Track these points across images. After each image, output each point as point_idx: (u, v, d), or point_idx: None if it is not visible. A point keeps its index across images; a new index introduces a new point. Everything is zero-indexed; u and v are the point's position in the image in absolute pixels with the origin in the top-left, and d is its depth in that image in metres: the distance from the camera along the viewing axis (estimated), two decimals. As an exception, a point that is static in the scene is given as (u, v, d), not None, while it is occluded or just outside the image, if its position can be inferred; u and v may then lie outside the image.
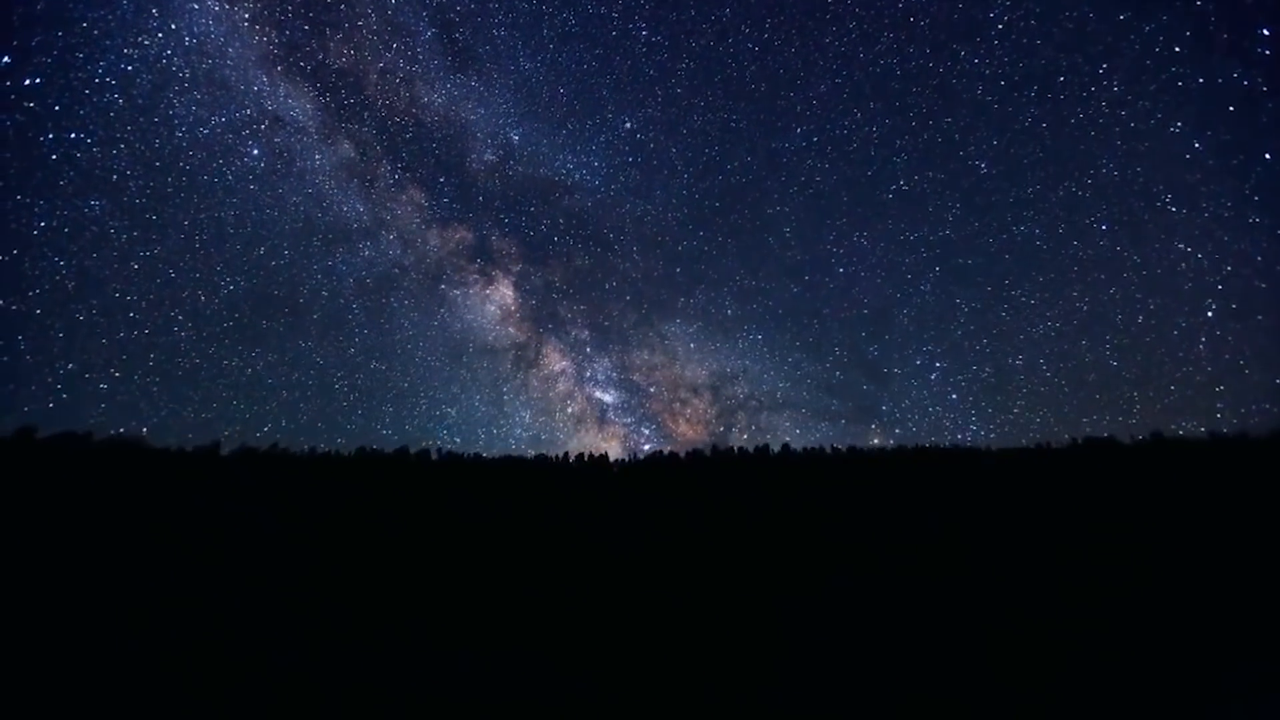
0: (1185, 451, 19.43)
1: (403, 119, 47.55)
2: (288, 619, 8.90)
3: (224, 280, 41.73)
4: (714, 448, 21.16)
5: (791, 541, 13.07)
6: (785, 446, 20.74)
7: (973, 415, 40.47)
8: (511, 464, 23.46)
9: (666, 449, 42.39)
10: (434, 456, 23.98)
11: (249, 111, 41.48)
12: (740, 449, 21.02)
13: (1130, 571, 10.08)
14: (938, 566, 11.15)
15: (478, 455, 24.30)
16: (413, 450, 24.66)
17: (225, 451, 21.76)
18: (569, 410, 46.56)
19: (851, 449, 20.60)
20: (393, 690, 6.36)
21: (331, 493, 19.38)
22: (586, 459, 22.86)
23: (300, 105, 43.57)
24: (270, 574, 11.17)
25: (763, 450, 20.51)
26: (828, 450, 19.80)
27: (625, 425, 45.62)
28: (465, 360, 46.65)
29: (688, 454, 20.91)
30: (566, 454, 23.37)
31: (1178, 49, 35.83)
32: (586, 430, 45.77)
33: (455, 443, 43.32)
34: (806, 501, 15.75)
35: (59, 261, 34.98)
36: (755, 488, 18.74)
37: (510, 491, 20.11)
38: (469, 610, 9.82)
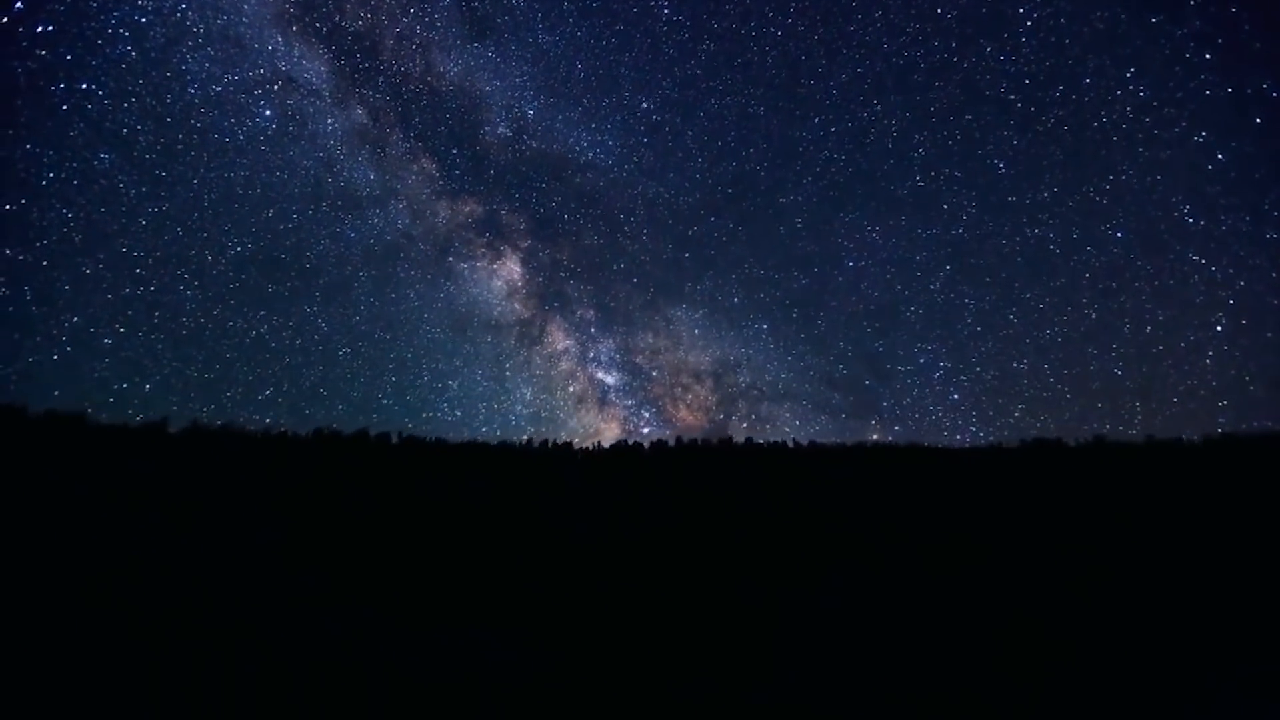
0: (1123, 454, 20.51)
1: (417, 87, 45.93)
2: (236, 604, 8.66)
3: (231, 241, 40.82)
4: (678, 439, 21.32)
5: (749, 535, 13.28)
6: (748, 440, 21.16)
7: (973, 416, 39.62)
8: (474, 449, 23.23)
9: (667, 434, 42.04)
10: (394, 440, 23.58)
11: (262, 71, 40.11)
12: (704, 441, 21.23)
13: (1081, 567, 10.50)
14: (882, 562, 11.44)
15: (440, 439, 23.99)
16: (373, 433, 24.20)
17: (173, 429, 21.00)
18: (570, 390, 45.87)
19: (812, 444, 21.04)
20: (343, 674, 6.24)
21: (287, 474, 18.91)
22: (550, 446, 22.77)
23: (314, 67, 42.10)
24: (218, 558, 10.85)
25: (726, 442, 20.81)
26: (789, 445, 20.19)
27: (626, 408, 44.97)
28: (469, 334, 45.84)
29: (651, 445, 21.04)
30: (530, 439, 23.29)
31: (1208, 56, 34.54)
32: (587, 411, 45.07)
33: (456, 415, 42.42)
34: (765, 495, 16.03)
35: (67, 213, 33.60)
36: (716, 480, 18.96)
37: (472, 477, 19.92)
38: (425, 595, 9.71)
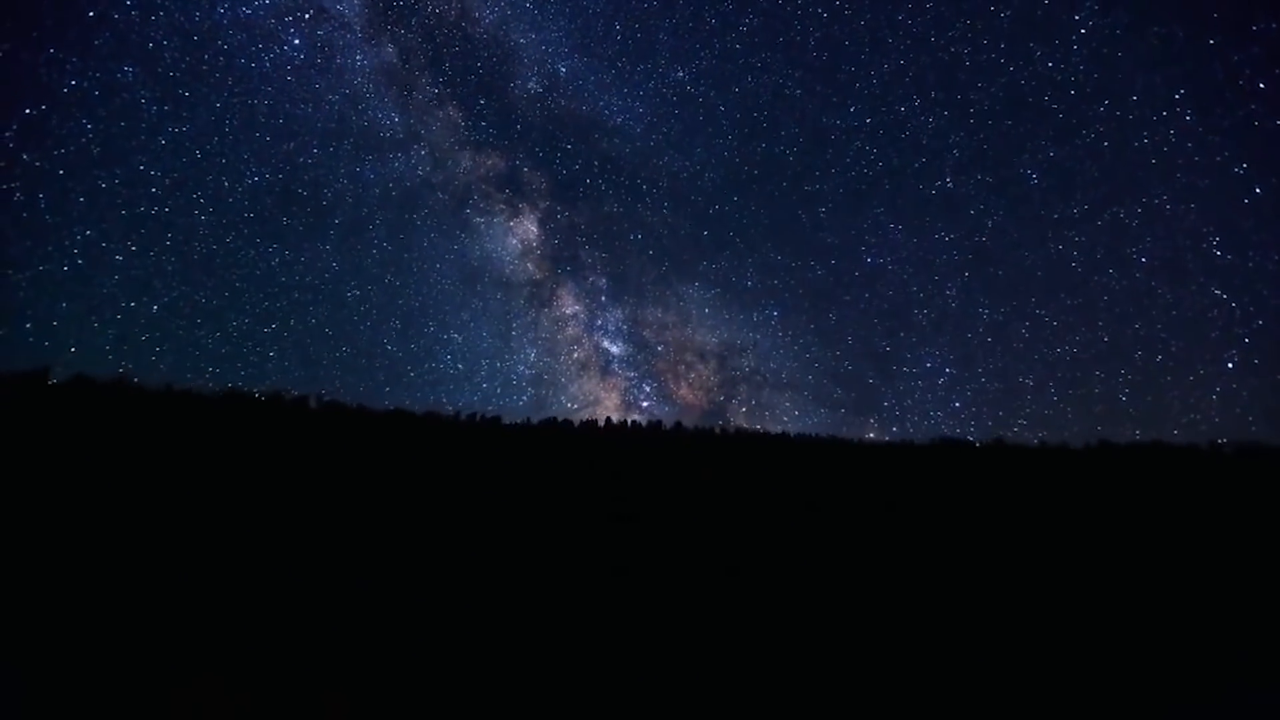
0: (1021, 455, 22.27)
1: (451, 31, 43.72)
2: (123, 579, 8.03)
3: (250, 169, 39.88)
4: (609, 420, 21.33)
5: (667, 524, 13.48)
6: (678, 425, 21.46)
7: (972, 426, 39.20)
8: (398, 419, 22.49)
9: (666, 410, 42.04)
10: (313, 405, 22.49)
11: (293, -3, 37.49)
12: (635, 423, 21.35)
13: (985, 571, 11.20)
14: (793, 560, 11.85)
15: (362, 407, 23.07)
16: (289, 396, 22.98)
17: (56, 379, 19.15)
18: (574, 355, 45.09)
19: (740, 430, 21.59)
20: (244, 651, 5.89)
21: (186, 437, 17.68)
22: (478, 419, 22.34)
23: (347, -1, 39.39)
24: (105, 527, 10.02)
25: (656, 425, 21.03)
26: (716, 431, 20.64)
27: (628, 379, 44.38)
28: (479, 289, 44.66)
29: (581, 424, 20.99)
30: (458, 412, 22.75)
31: (1262, 85, 33.26)
32: (588, 378, 44.53)
33: (458, 369, 41.83)
34: (684, 483, 16.34)
35: (86, 124, 33.53)
36: (646, 466, 19.17)
37: (392, 449, 19.29)
38: (341, 574, 9.33)
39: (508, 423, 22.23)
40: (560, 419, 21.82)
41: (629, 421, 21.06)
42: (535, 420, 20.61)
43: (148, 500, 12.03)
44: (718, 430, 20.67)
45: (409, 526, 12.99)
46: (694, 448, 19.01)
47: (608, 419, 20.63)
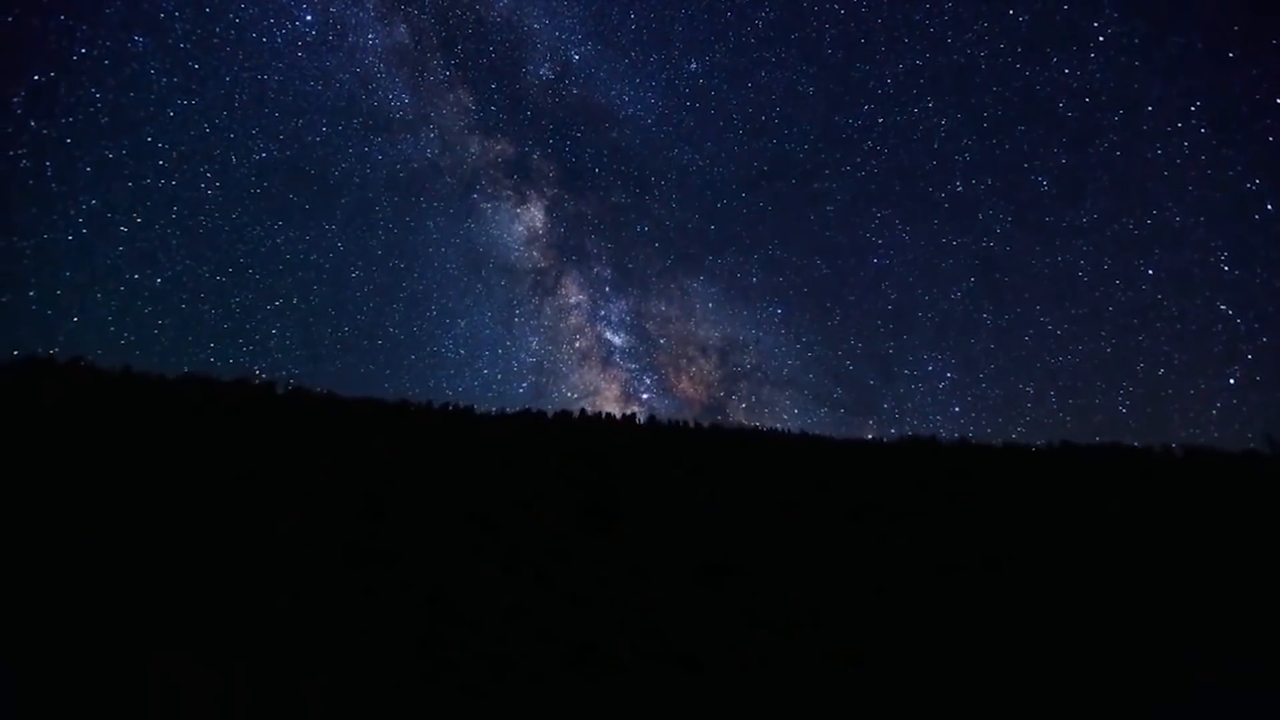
0: (987, 454, 22.82)
1: (465, 13, 42.92)
2: (86, 568, 7.72)
3: (258, 145, 38.86)
4: (583, 410, 21.22)
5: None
6: (652, 417, 21.50)
7: (971, 431, 38.99)
8: (368, 406, 22.04)
9: (665, 404, 41.01)
10: (280, 391, 21.89)
11: (304, -30, 36.23)
12: (607, 414, 21.26)
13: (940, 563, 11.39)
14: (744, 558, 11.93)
15: (331, 393, 22.54)
16: (257, 379, 22.30)
17: (6, 362, 18.24)
18: (576, 345, 44.70)
19: (715, 426, 21.66)
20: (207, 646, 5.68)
21: (149, 422, 17.07)
22: (451, 409, 22.01)
23: (358, -25, 38.39)
24: (65, 514, 9.61)
25: (630, 418, 20.96)
26: (691, 425, 20.67)
27: (629, 371, 44.08)
28: (483, 275, 44.22)
29: (555, 414, 20.83)
30: (430, 401, 22.39)
31: (1279, 100, 33.15)
32: (589, 368, 44.14)
33: (460, 354, 41.07)
34: (660, 477, 16.36)
35: (95, 93, 33.01)
36: (622, 459, 19.09)
37: (362, 438, 18.87)
38: (313, 564, 9.11)
39: (479, 411, 21.98)
40: (537, 410, 21.63)
41: (603, 413, 20.97)
42: (523, 411, 20.40)
43: (112, 487, 11.58)
44: (692, 425, 20.70)
45: (382, 517, 12.73)
46: (671, 442, 19.02)
47: (582, 410, 20.52)
